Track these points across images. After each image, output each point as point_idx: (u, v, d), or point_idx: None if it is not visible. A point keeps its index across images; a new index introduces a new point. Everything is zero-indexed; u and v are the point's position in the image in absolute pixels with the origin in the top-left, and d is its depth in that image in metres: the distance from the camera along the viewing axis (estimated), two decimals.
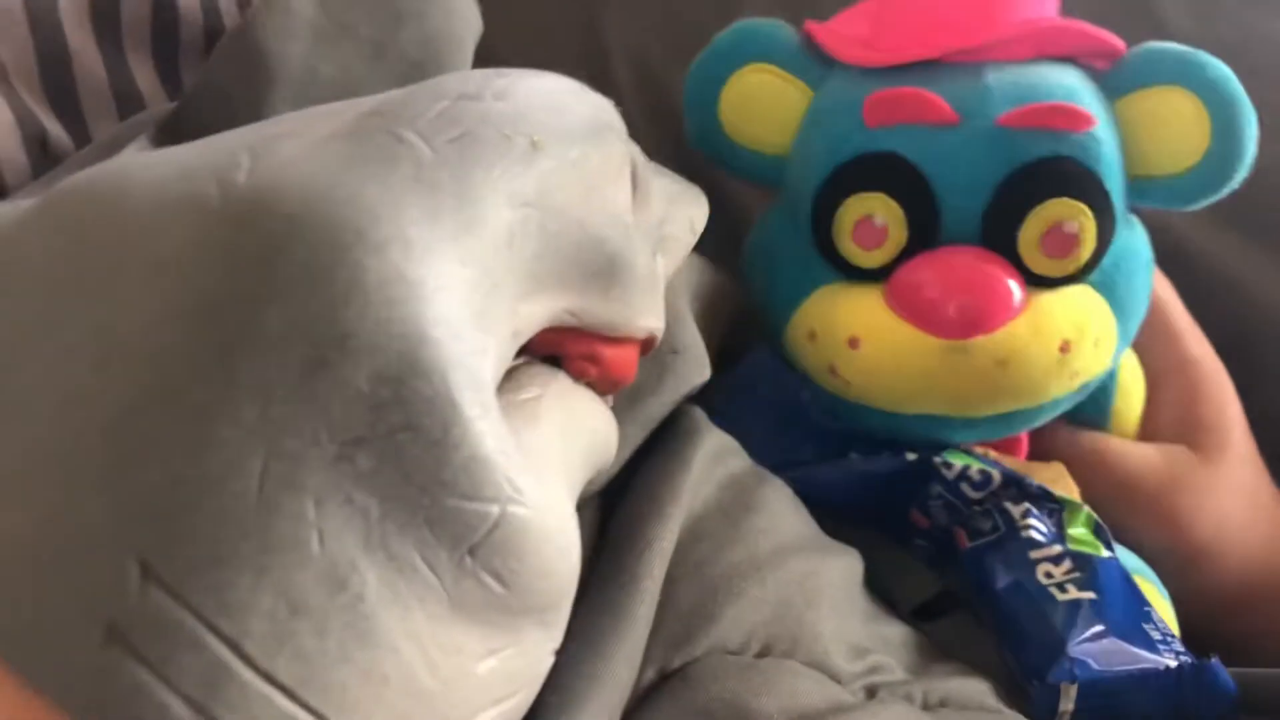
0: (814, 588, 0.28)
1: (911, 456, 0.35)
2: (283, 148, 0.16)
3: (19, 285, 0.16)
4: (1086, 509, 0.34)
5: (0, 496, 0.15)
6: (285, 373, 0.15)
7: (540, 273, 0.18)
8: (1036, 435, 0.39)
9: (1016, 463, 0.37)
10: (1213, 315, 0.42)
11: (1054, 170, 0.33)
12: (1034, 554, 0.34)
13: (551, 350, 0.20)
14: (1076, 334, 0.34)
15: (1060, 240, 0.33)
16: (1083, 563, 0.33)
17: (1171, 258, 0.40)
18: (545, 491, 0.17)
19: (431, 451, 0.15)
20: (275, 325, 0.15)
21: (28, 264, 0.16)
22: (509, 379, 0.19)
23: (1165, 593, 0.36)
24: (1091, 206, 0.33)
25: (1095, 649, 0.31)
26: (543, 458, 0.18)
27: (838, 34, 0.36)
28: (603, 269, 0.19)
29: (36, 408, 0.15)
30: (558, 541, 0.17)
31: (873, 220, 0.34)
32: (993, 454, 0.37)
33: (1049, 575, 0.33)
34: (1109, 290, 0.35)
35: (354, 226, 0.15)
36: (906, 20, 0.35)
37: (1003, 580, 0.33)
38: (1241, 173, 0.34)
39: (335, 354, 0.15)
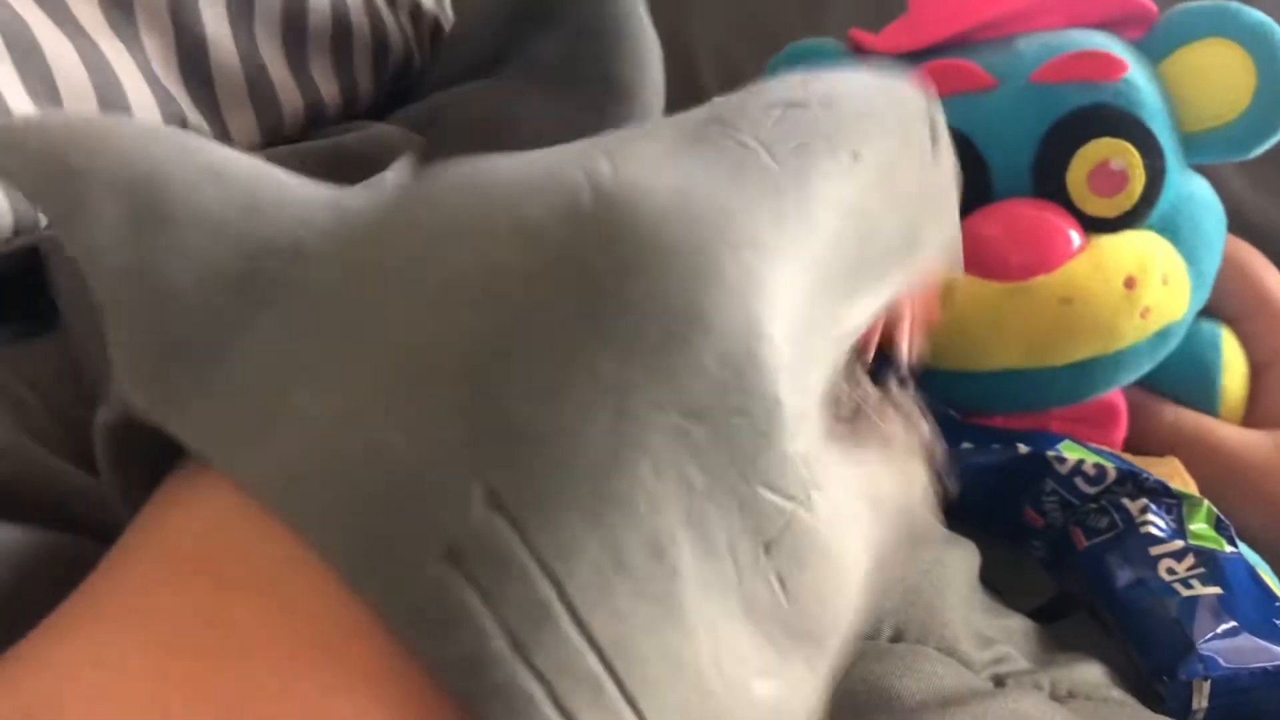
0: (941, 576, 0.28)
1: (1024, 449, 0.35)
2: (638, 150, 0.17)
3: (384, 256, 0.17)
4: (1207, 503, 0.34)
5: (372, 405, 0.15)
6: (644, 339, 0.15)
7: (857, 274, 0.19)
8: (1138, 417, 0.38)
9: (1133, 458, 0.36)
10: None
11: (1093, 115, 0.34)
12: (1154, 550, 0.33)
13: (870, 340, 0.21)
14: (1139, 269, 0.34)
15: (1108, 177, 0.34)
16: (1206, 558, 0.32)
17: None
18: (838, 523, 0.18)
19: (755, 440, 0.16)
20: (641, 295, 0.15)
21: (391, 241, 0.17)
22: (853, 436, 0.20)
23: None
24: (1135, 144, 0.34)
25: (1226, 646, 0.30)
26: (850, 511, 0.18)
27: (883, 35, 0.38)
28: (908, 249, 0.20)
29: (403, 340, 0.16)
30: (835, 569, 0.17)
31: None
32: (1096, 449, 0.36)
33: (1171, 571, 0.32)
34: (1173, 234, 0.36)
35: (715, 223, 0.16)
36: (940, 3, 0.37)
37: (1124, 579, 0.33)
38: None
39: (691, 331, 0.15)
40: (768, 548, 0.16)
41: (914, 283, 0.21)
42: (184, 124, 0.29)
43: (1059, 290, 0.34)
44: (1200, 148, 0.36)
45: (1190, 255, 0.36)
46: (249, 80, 0.31)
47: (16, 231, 0.25)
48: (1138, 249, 0.35)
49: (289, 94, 0.32)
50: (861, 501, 0.19)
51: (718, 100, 0.19)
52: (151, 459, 0.18)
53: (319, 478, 0.15)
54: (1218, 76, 0.35)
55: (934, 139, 0.22)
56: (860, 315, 0.19)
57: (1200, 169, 0.38)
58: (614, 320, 0.15)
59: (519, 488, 0.14)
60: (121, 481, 0.18)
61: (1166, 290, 0.35)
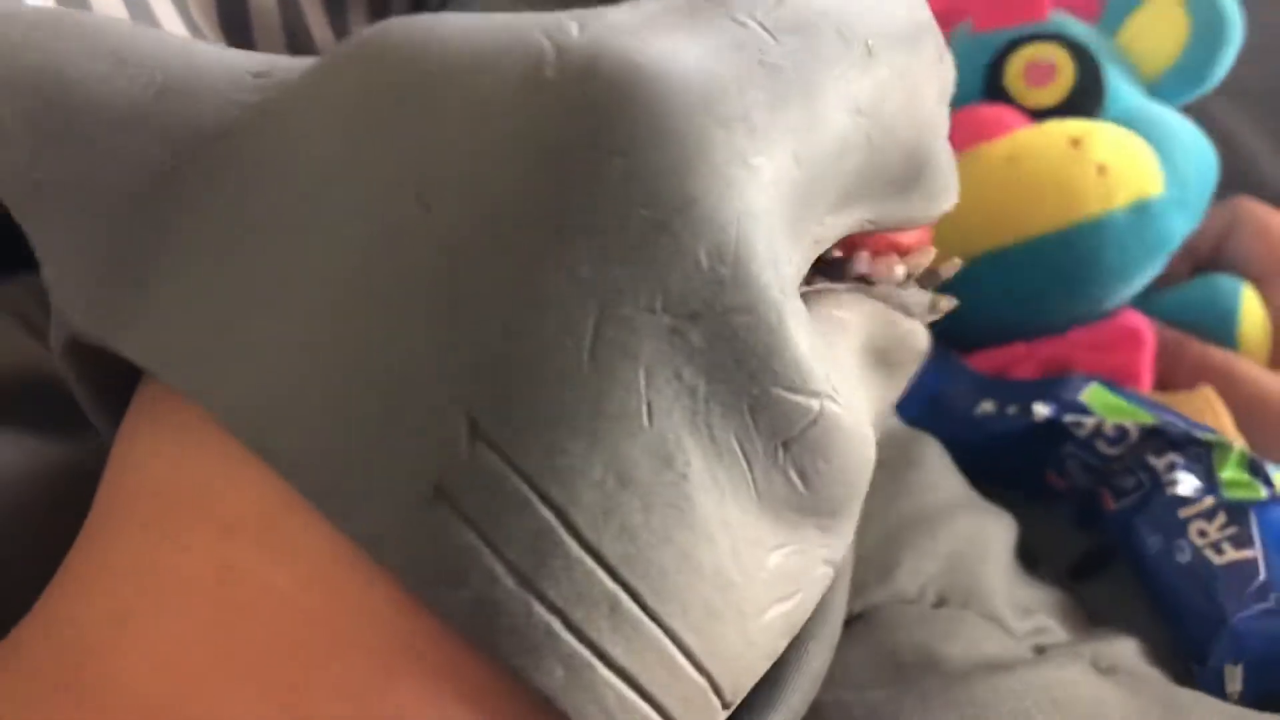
0: (983, 545, 0.28)
1: (1041, 414, 0.33)
2: (612, 16, 0.15)
3: (320, 124, 0.15)
4: (1238, 446, 0.32)
5: (336, 336, 0.14)
6: (625, 231, 0.14)
7: (855, 187, 0.17)
8: (1165, 353, 0.38)
9: (1164, 396, 0.35)
10: None
11: (1026, 38, 0.40)
12: (1184, 512, 0.31)
13: (846, 250, 0.19)
14: (1083, 131, 0.37)
15: (1038, 71, 0.39)
16: (1238, 513, 0.31)
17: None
18: (854, 398, 0.17)
19: (766, 338, 0.15)
20: (617, 178, 0.14)
21: (327, 104, 0.15)
22: (817, 298, 0.18)
23: None
24: (1063, 44, 0.39)
25: (1260, 623, 0.28)
26: (849, 373, 0.17)
27: None
28: (909, 177, 0.18)
29: (356, 244, 0.14)
30: (861, 451, 0.16)
31: None
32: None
33: (1202, 534, 0.31)
34: (1133, 125, 0.38)
35: (702, 94, 0.14)
36: None
37: (1153, 546, 0.31)
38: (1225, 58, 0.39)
39: (677, 220, 0.14)
40: (786, 445, 0.15)
41: (905, 221, 0.19)
42: None
43: (1003, 151, 0.37)
44: (1161, 90, 0.40)
45: (1161, 150, 0.38)
46: (287, 29, 0.30)
47: None
48: (1080, 123, 0.37)
49: (328, 44, 0.31)
50: (863, 367, 0.18)
51: None
52: (114, 374, 0.16)
53: (291, 413, 0.14)
54: (1162, 26, 0.40)
55: (940, 59, 0.20)
56: (839, 228, 0.17)
57: (1222, 134, 0.40)
58: (589, 212, 0.14)
59: (505, 415, 0.13)
60: (93, 396, 0.17)
61: (1124, 155, 0.36)
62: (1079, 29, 0.40)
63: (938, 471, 0.30)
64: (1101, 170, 0.36)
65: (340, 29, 0.32)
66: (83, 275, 0.15)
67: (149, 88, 0.16)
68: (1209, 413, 0.34)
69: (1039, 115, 0.38)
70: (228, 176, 0.15)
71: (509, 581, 0.13)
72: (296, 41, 0.30)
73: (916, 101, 0.18)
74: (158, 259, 0.15)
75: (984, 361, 0.39)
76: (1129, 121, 0.38)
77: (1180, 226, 0.38)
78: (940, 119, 0.19)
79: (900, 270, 0.20)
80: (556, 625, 0.13)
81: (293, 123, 0.15)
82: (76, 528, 0.16)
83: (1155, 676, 0.27)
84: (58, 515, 0.17)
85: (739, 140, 0.14)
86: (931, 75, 0.19)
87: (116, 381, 0.17)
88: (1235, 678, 0.28)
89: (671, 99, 0.14)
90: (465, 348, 0.13)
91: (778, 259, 0.15)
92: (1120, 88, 0.39)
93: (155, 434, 0.15)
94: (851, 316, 0.18)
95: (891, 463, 0.29)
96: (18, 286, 0.23)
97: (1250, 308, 0.39)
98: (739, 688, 0.16)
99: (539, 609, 0.13)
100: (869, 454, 0.17)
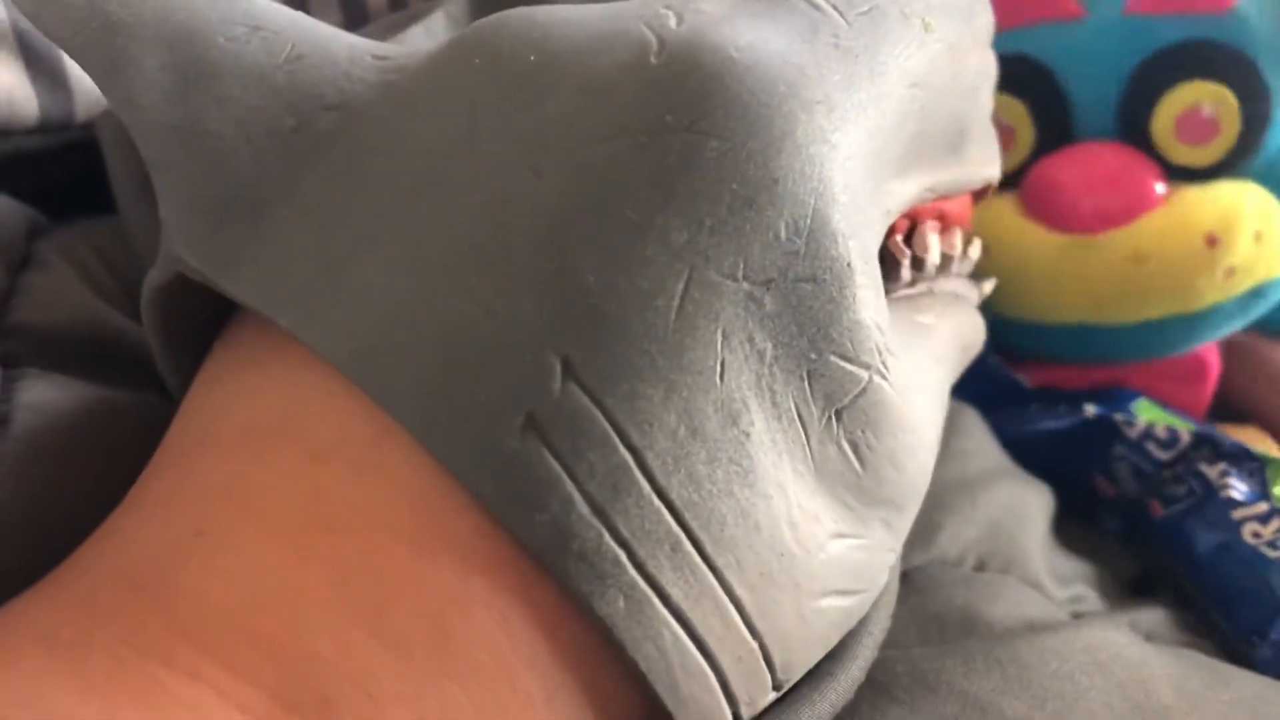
0: (1022, 512, 0.28)
1: (1091, 411, 0.33)
2: (705, 5, 0.17)
3: (443, 102, 0.17)
4: None
5: (442, 278, 0.15)
6: (716, 205, 0.15)
7: (913, 153, 0.18)
8: (1245, 356, 0.36)
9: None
10: None
11: (1189, 53, 0.32)
12: (1237, 514, 0.31)
13: (905, 228, 0.21)
14: (1223, 226, 0.32)
15: (1197, 125, 0.32)
16: None
17: None
18: (912, 390, 0.17)
19: (827, 307, 0.16)
20: (712, 158, 0.15)
21: (450, 86, 0.17)
22: (909, 302, 0.20)
23: None
24: (1232, 88, 0.31)
25: None
26: (922, 378, 0.18)
27: None
28: (957, 141, 0.20)
29: (469, 207, 0.15)
30: (912, 437, 0.17)
31: (999, 121, 0.33)
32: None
33: (1256, 535, 0.30)
34: (1274, 182, 0.33)
35: (787, 80, 0.16)
36: None
37: (1206, 543, 0.31)
38: None
39: (763, 196, 0.15)
40: (839, 414, 0.16)
41: (955, 185, 0.20)
42: None
43: (1130, 247, 0.32)
44: None
45: None
46: None
47: (44, 123, 0.24)
48: (1223, 203, 0.32)
49: (380, 12, 0.32)
50: (929, 362, 0.19)
51: None
52: (196, 325, 0.18)
53: (395, 350, 0.15)
54: None
55: (989, 29, 0.21)
56: (900, 197, 0.18)
57: None
58: (686, 187, 0.15)
59: (595, 359, 0.15)
60: (166, 346, 0.18)
61: (1259, 248, 0.32)
62: (1259, 31, 0.32)
63: (978, 440, 0.30)
64: (1229, 272, 0.32)
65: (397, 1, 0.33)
66: (200, 217, 0.16)
67: (280, 55, 0.17)
68: (1260, 445, 0.33)
69: (1179, 170, 0.33)
70: (346, 142, 0.17)
71: (585, 510, 0.14)
72: (352, 9, 0.31)
73: (962, 71, 0.19)
74: (272, 209, 0.16)
75: (1031, 376, 0.38)
76: (1278, 159, 0.33)
77: None
78: (988, 78, 0.21)
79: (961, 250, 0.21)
80: (623, 557, 0.14)
81: (416, 100, 0.17)
82: (131, 468, 0.16)
83: (1195, 646, 0.27)
84: (111, 456, 0.18)
85: (819, 120, 0.16)
86: (978, 42, 0.20)
87: (191, 338, 0.18)
88: None
89: (762, 88, 0.16)
90: (565, 298, 0.15)
91: (851, 231, 0.16)
92: (1277, 109, 0.33)
93: (240, 373, 0.16)
94: (933, 320, 0.19)
95: None
96: (76, 235, 0.24)
97: None
98: (789, 665, 0.16)
99: (609, 540, 0.14)
100: (922, 438, 0.17)
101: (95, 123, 0.24)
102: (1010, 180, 0.34)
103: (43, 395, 0.19)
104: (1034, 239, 0.33)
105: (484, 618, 0.14)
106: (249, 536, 0.14)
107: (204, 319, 0.18)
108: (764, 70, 0.16)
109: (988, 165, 0.22)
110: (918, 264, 0.20)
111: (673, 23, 0.16)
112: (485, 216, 0.15)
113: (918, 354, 0.19)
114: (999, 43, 0.32)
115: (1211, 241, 0.32)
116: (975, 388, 0.35)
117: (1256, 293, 0.33)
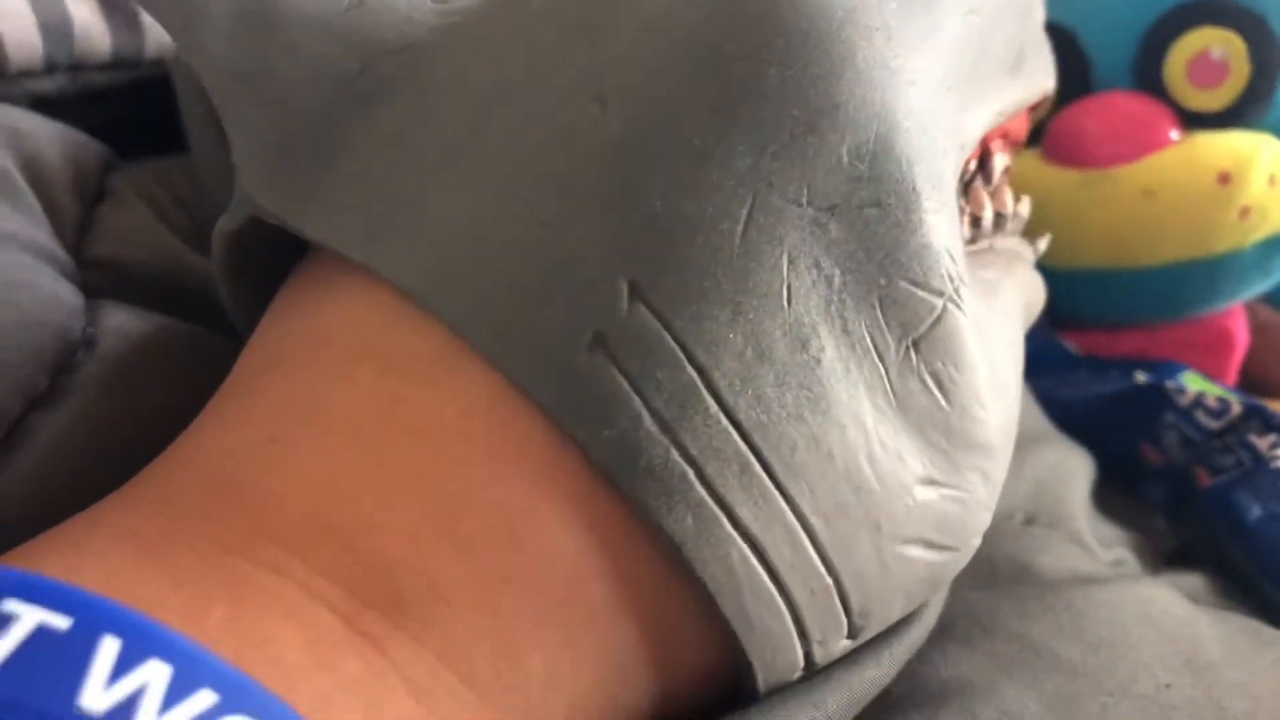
0: (1066, 474, 0.29)
1: (1142, 378, 0.33)
2: None
3: (505, 40, 0.17)
4: None
5: (509, 203, 0.15)
6: (779, 131, 0.15)
7: (977, 82, 0.18)
8: (1256, 334, 0.36)
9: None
10: None
11: (1200, 5, 0.33)
12: None
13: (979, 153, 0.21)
14: (1236, 165, 0.32)
15: (1207, 68, 0.33)
16: None
17: None
18: (988, 325, 0.17)
19: (893, 231, 0.16)
20: (774, 85, 0.15)
21: (512, 24, 0.17)
22: (974, 257, 0.19)
23: None
24: (1241, 33, 0.32)
25: None
26: (996, 330, 0.18)
27: None
28: (1015, 61, 0.20)
29: (535, 137, 0.16)
30: (995, 376, 0.17)
31: None
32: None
33: None
34: None
35: (846, 7, 0.16)
36: None
37: (1255, 513, 0.30)
38: None
39: (825, 121, 0.15)
40: (916, 345, 0.16)
41: (1019, 104, 0.20)
42: None
43: (1142, 180, 0.33)
44: None
45: None
46: None
47: (115, 59, 0.24)
48: (1237, 145, 0.33)
49: None
50: (1000, 315, 0.19)
51: None
52: (266, 270, 0.18)
53: (464, 273, 0.15)
54: None
55: None
56: (973, 129, 0.18)
57: None
58: (749, 112, 0.15)
59: (662, 280, 0.15)
60: (234, 289, 0.19)
61: (1275, 192, 0.33)
62: None
63: (1023, 402, 0.30)
64: (1244, 213, 0.33)
65: None
66: (270, 159, 0.17)
67: (342, 2, 0.18)
68: None
69: (1194, 118, 0.34)
70: (410, 82, 0.17)
71: (652, 426, 0.14)
72: None
73: None
74: (339, 150, 0.17)
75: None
76: None
77: None
78: (1034, 7, 0.21)
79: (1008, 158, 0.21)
80: (691, 474, 0.14)
81: (477, 39, 0.17)
82: (205, 393, 0.17)
83: (1236, 611, 0.27)
84: (187, 380, 0.18)
85: (879, 46, 0.16)
86: None
87: (261, 283, 0.18)
88: None
89: (820, 15, 0.16)
90: (632, 221, 0.15)
91: (917, 156, 0.16)
92: None
93: (311, 303, 0.17)
94: (998, 276, 0.19)
95: None
96: (146, 173, 0.24)
97: None
98: (867, 611, 0.16)
99: (676, 456, 0.14)
100: (1004, 375, 0.17)
101: (169, 65, 0.24)
102: (1031, 138, 0.34)
103: (126, 321, 0.19)
104: (1053, 180, 0.33)
105: (554, 527, 0.14)
106: (323, 443, 0.14)
107: (274, 264, 0.18)
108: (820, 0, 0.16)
109: (1046, 77, 0.22)
110: (975, 221, 0.20)
111: None
112: (552, 145, 0.15)
113: (990, 306, 0.19)
114: None
115: (1224, 179, 0.32)
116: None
117: (1273, 244, 0.34)
